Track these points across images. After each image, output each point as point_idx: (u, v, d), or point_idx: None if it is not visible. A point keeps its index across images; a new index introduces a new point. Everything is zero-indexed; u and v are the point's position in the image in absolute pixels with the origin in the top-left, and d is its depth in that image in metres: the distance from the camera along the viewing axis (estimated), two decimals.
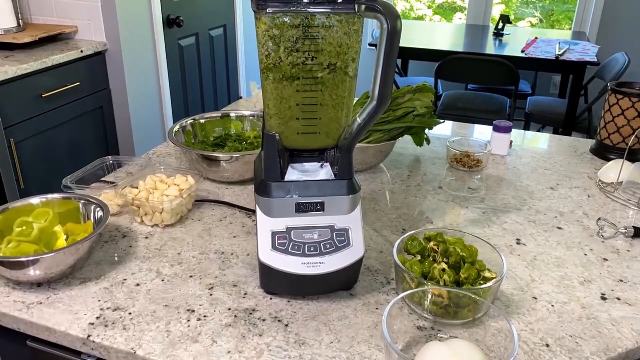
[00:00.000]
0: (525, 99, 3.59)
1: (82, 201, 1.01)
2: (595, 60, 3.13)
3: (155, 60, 2.95)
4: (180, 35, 3.18)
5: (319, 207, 0.84)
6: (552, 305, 0.88)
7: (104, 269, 0.94)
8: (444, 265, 0.86)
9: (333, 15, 0.76)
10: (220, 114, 1.42)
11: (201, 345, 0.78)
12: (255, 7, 0.76)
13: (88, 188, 1.15)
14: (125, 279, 0.92)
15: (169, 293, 0.89)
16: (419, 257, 0.91)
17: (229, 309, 0.85)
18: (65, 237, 0.96)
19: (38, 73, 2.27)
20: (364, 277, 0.93)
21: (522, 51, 3.31)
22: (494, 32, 3.82)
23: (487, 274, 0.85)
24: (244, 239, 1.05)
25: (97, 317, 0.82)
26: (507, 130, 1.45)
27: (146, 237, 1.04)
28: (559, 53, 3.21)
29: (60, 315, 0.83)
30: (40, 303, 0.85)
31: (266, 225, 0.84)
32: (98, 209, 0.99)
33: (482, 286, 0.83)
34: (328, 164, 0.89)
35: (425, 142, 1.34)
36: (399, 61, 4.03)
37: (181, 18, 3.09)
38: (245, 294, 0.89)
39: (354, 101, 0.87)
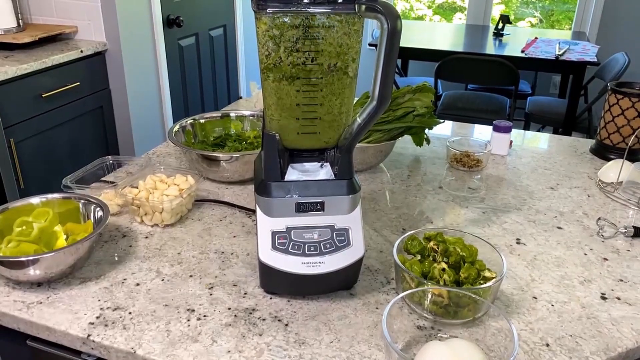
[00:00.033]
0: (525, 99, 3.59)
1: (82, 201, 1.01)
2: (595, 60, 3.13)
3: (155, 60, 2.95)
4: (180, 35, 3.18)
5: (319, 207, 0.84)
6: (552, 305, 0.88)
7: (104, 269, 0.94)
8: (444, 265, 0.86)
9: (333, 16, 0.77)
10: (220, 114, 1.42)
11: (201, 344, 0.78)
12: (256, 7, 0.76)
13: (88, 188, 1.15)
14: (125, 279, 0.92)
15: (169, 293, 0.89)
16: (419, 257, 0.91)
17: (229, 308, 0.85)
18: (65, 237, 0.96)
19: (38, 73, 2.27)
20: (364, 277, 0.93)
21: (522, 51, 3.32)
22: (494, 32, 3.82)
23: (487, 274, 0.85)
24: (244, 238, 1.05)
25: (97, 317, 0.82)
26: (507, 130, 1.45)
27: (146, 237, 1.04)
28: (559, 53, 3.21)
29: (60, 315, 0.83)
30: (40, 303, 0.86)
31: (266, 225, 0.84)
32: (98, 208, 0.99)
33: (482, 286, 0.83)
34: (328, 164, 0.89)
35: (425, 142, 1.34)
36: (399, 61, 4.03)
37: (181, 18, 3.09)
38: (245, 293, 0.89)
39: (354, 101, 0.87)
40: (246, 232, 1.07)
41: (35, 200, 1.00)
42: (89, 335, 0.79)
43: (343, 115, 0.84)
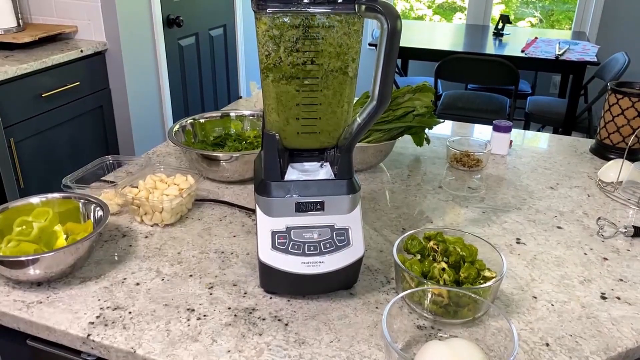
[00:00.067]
0: (525, 99, 3.59)
1: (82, 201, 1.01)
2: (595, 60, 3.13)
3: (155, 60, 2.95)
4: (180, 35, 3.18)
5: (319, 207, 0.84)
6: (552, 305, 0.88)
7: (104, 269, 0.95)
8: (443, 265, 0.86)
9: (333, 16, 0.77)
10: (220, 114, 1.42)
11: (201, 344, 0.78)
12: (256, 7, 0.76)
13: (88, 188, 1.15)
14: (125, 279, 0.92)
15: (169, 292, 0.89)
16: (418, 257, 0.91)
17: (229, 308, 0.85)
18: (65, 236, 0.96)
19: (38, 73, 2.27)
20: (364, 277, 0.93)
21: (522, 51, 3.32)
22: (494, 32, 3.82)
23: (487, 274, 0.85)
24: (244, 238, 1.05)
25: (97, 317, 0.83)
26: (507, 130, 1.45)
27: (146, 237, 1.05)
28: (559, 53, 3.21)
29: (60, 315, 0.83)
30: (40, 302, 0.86)
31: (266, 224, 0.84)
32: (98, 208, 0.99)
33: (482, 285, 0.83)
34: (328, 163, 0.89)
35: (425, 142, 1.34)
36: (399, 61, 4.03)
37: (181, 18, 3.09)
38: (245, 293, 0.89)
39: (354, 101, 0.87)
40: (246, 232, 1.07)
41: (35, 200, 1.00)
42: (89, 335, 0.79)
43: (343, 115, 0.84)
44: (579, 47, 3.41)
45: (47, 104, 2.35)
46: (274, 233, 0.83)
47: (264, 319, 0.83)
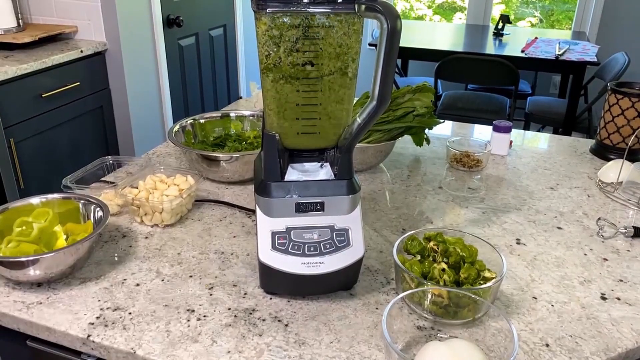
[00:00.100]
0: (525, 99, 3.59)
1: (82, 201, 1.01)
2: (595, 60, 3.13)
3: (155, 60, 2.95)
4: (180, 35, 3.18)
5: (319, 207, 0.84)
6: (552, 305, 0.88)
7: (104, 269, 0.94)
8: (444, 265, 0.86)
9: (333, 16, 0.76)
10: (220, 114, 1.42)
11: (201, 345, 0.78)
12: (255, 7, 0.76)
13: (88, 188, 1.15)
14: (125, 279, 0.92)
15: (169, 293, 0.89)
16: (419, 257, 0.91)
17: (229, 309, 0.85)
18: (65, 237, 0.96)
19: (38, 73, 2.27)
20: (364, 277, 0.93)
21: (522, 51, 3.31)
22: (494, 32, 3.82)
23: (487, 274, 0.85)
24: (244, 239, 1.05)
25: (97, 317, 0.82)
26: (507, 130, 1.45)
27: (146, 237, 1.04)
28: (559, 53, 3.21)
29: (60, 315, 0.83)
30: (40, 303, 0.85)
31: (266, 225, 0.84)
32: (98, 209, 0.99)
33: (482, 286, 0.83)
34: (328, 164, 0.89)
35: (425, 142, 1.34)
36: (399, 61, 4.03)
37: (181, 18, 3.09)
38: (245, 294, 0.89)
39: (354, 101, 0.87)
40: (246, 232, 1.07)
41: (35, 200, 1.00)
42: (89, 336, 0.79)
43: (343, 115, 0.84)
44: (579, 47, 3.41)
45: (47, 104, 2.35)
46: (274, 233, 0.83)
47: (264, 320, 0.83)
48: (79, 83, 2.49)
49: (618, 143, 1.42)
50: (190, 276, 0.93)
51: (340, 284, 0.88)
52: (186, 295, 0.88)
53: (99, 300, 0.86)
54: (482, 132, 1.64)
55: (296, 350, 0.77)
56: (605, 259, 1.01)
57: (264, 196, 0.84)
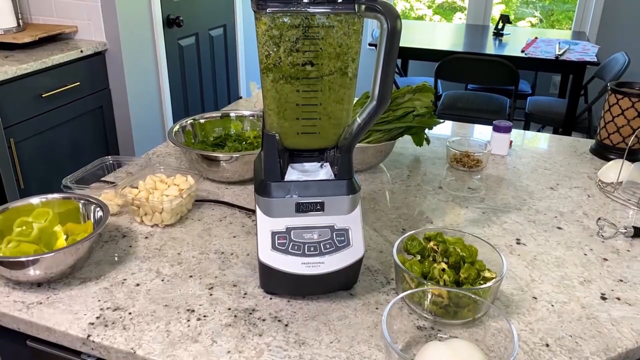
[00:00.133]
0: (525, 99, 3.59)
1: (82, 201, 1.01)
2: (595, 60, 3.13)
3: (155, 60, 2.95)
4: (180, 35, 3.18)
5: (319, 207, 0.84)
6: (552, 305, 0.88)
7: (104, 269, 0.94)
8: (444, 265, 0.86)
9: (333, 16, 0.76)
10: (220, 114, 1.42)
11: (201, 345, 0.78)
12: (255, 7, 0.76)
13: (88, 188, 1.15)
14: (125, 279, 0.92)
15: (169, 293, 0.89)
16: (419, 257, 0.91)
17: (229, 309, 0.85)
18: (65, 237, 0.96)
19: (38, 73, 2.27)
20: (364, 277, 0.93)
21: (522, 51, 3.31)
22: (494, 32, 3.82)
23: (487, 274, 0.85)
24: (244, 239, 1.05)
25: (97, 317, 0.82)
26: (507, 130, 1.45)
27: (146, 237, 1.04)
28: (559, 53, 3.21)
29: (60, 315, 0.83)
30: (40, 303, 0.85)
31: (266, 225, 0.84)
32: (98, 209, 0.99)
33: (482, 286, 0.83)
34: (328, 164, 0.89)
35: (425, 142, 1.34)
36: (399, 61, 4.03)
37: (181, 18, 3.09)
38: (245, 294, 0.89)
39: (354, 101, 0.87)
40: (246, 232, 1.07)
41: (35, 200, 1.00)
42: (89, 336, 0.79)
43: (343, 115, 0.84)
44: (579, 47, 3.41)
45: (47, 104, 2.35)
46: (274, 233, 0.83)
47: (264, 320, 0.83)
48: (79, 83, 2.49)
49: (618, 143, 1.42)
50: (190, 276, 0.93)
51: (340, 284, 0.88)
52: (186, 295, 0.88)
53: (99, 300, 0.86)
54: (482, 132, 1.64)
55: (296, 350, 0.77)
56: (605, 259, 1.01)
57: (264, 196, 0.84)
